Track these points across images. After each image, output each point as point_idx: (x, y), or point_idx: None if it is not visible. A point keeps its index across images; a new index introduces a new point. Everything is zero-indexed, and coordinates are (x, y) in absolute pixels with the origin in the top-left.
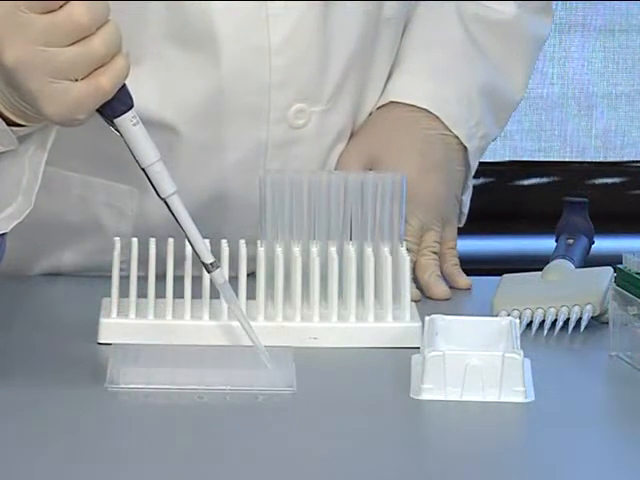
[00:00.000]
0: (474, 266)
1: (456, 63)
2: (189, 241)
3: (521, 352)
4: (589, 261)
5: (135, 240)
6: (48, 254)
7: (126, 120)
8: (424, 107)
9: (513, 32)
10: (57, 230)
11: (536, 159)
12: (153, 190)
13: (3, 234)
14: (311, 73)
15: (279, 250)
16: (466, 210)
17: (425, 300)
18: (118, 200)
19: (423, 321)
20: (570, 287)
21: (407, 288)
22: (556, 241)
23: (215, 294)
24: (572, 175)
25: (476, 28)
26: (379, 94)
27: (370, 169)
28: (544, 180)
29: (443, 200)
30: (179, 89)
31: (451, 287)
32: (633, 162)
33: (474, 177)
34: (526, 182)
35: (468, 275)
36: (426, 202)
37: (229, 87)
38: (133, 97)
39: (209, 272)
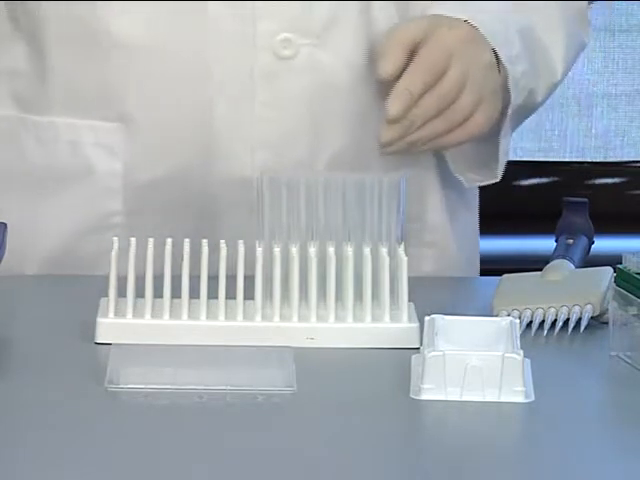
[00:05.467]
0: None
1: (490, 11)
2: None
3: (521, 352)
4: (589, 261)
5: (134, 240)
6: (46, 213)
7: None
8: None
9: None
10: (51, 182)
11: (536, 159)
12: None
13: (3, 235)
14: (298, 6)
15: (277, 250)
16: (504, 161)
17: (425, 300)
18: (106, 138)
19: (421, 322)
20: (570, 287)
21: (405, 289)
22: (556, 241)
23: (213, 294)
24: (572, 175)
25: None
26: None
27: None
28: (544, 180)
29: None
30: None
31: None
32: (633, 162)
33: None
34: (526, 182)
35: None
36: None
37: (214, 13)
38: None
39: None
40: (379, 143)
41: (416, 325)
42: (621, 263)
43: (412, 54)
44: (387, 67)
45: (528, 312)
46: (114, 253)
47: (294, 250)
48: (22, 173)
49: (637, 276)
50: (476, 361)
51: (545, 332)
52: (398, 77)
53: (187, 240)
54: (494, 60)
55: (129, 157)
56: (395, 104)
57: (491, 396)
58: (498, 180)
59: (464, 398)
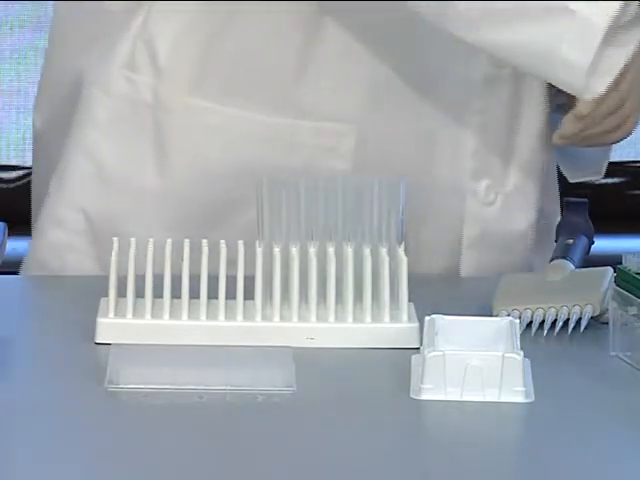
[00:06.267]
0: None
1: None
2: None
3: (521, 352)
4: (589, 261)
5: (133, 240)
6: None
7: None
8: None
9: None
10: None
11: None
12: None
13: (3, 235)
14: (499, 152)
15: (277, 251)
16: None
17: (425, 300)
18: (330, 140)
19: (421, 322)
20: (570, 287)
21: (405, 289)
22: (556, 241)
23: (213, 294)
24: None
25: None
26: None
27: None
28: None
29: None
30: None
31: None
32: (633, 162)
33: None
34: None
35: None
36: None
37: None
38: None
39: None
40: (560, 134)
41: (416, 325)
42: (621, 263)
43: None
44: None
45: (528, 312)
46: (114, 253)
47: (294, 250)
48: (230, 168)
49: (637, 276)
50: (476, 361)
51: (545, 332)
52: None
53: (187, 240)
54: None
55: (354, 158)
56: (587, 102)
57: (491, 396)
58: (602, 177)
59: (464, 398)
